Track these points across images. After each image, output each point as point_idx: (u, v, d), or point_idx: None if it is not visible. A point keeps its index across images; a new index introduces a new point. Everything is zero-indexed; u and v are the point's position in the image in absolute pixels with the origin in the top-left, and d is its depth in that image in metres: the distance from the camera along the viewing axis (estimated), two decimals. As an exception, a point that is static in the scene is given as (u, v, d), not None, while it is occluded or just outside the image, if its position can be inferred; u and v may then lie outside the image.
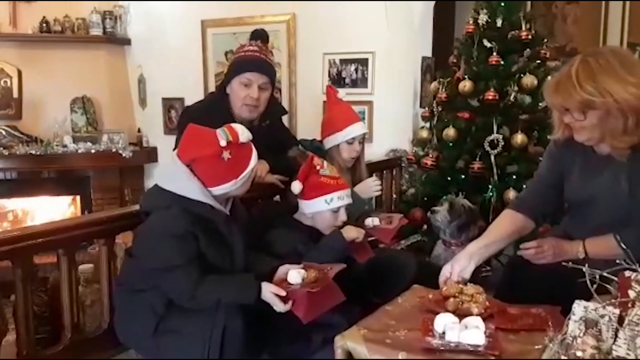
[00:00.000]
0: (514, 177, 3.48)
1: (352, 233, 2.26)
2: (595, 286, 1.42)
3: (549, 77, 3.64)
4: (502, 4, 3.60)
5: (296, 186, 2.29)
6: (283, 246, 2.22)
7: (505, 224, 2.21)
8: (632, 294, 1.41)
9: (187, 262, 1.87)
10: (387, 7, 4.31)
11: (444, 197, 2.98)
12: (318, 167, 2.30)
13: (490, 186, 3.49)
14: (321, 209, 2.28)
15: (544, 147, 3.57)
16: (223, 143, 1.91)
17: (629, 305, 1.40)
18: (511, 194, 3.42)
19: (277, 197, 2.92)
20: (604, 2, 5.33)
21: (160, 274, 1.90)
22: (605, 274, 1.42)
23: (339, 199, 2.28)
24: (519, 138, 3.45)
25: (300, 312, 1.86)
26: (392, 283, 2.26)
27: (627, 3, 5.22)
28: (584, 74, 1.81)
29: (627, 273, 1.43)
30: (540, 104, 3.59)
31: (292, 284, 1.92)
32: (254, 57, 2.62)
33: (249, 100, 2.60)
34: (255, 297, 1.87)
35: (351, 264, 2.24)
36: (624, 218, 1.94)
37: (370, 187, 2.75)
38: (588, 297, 1.84)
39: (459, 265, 2.02)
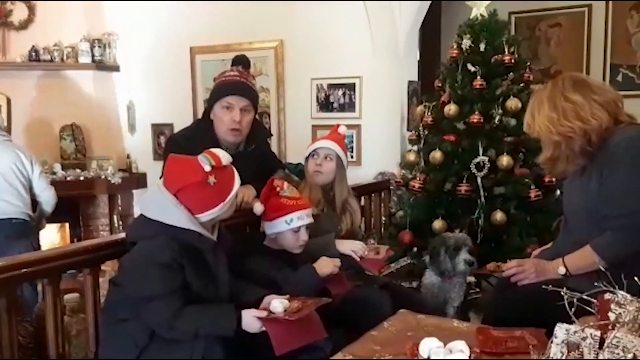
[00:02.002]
0: (501, 198, 3.50)
1: (326, 269, 2.25)
2: (573, 309, 1.42)
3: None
4: (485, 30, 3.66)
5: (258, 207, 2.31)
6: (257, 275, 2.22)
7: None
8: (611, 316, 1.42)
9: (169, 292, 1.86)
10: (372, 32, 4.37)
11: (449, 241, 2.90)
12: (278, 189, 2.32)
13: (477, 208, 3.51)
14: (282, 229, 2.29)
15: (530, 169, 3.63)
16: (207, 168, 1.92)
17: (609, 327, 1.41)
18: (498, 215, 3.44)
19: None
20: (586, 25, 5.43)
21: (141, 303, 1.89)
22: (584, 297, 1.43)
23: (298, 219, 2.28)
24: (505, 160, 3.47)
25: (275, 340, 1.84)
26: (364, 322, 2.26)
27: (610, 25, 5.33)
28: (529, 108, 2.15)
29: (607, 295, 1.44)
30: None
31: (274, 313, 1.91)
32: (234, 81, 2.63)
33: (231, 124, 2.60)
34: (234, 329, 1.86)
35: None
36: (599, 221, 1.98)
37: (353, 247, 2.55)
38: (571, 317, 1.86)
39: None
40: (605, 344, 1.35)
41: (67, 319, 2.51)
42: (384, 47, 4.43)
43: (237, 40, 4.90)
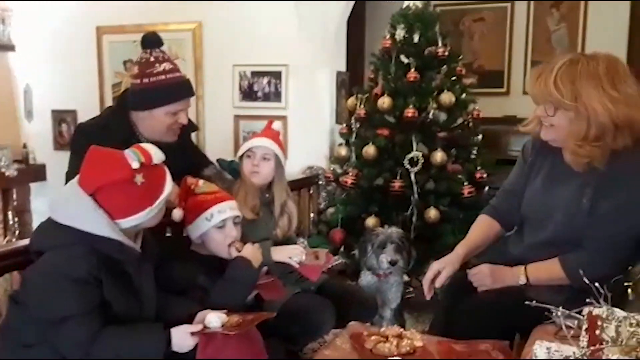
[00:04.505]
0: (434, 195, 3.43)
1: (255, 259, 2.02)
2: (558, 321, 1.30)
3: (464, 95, 3.67)
4: (419, 20, 3.56)
5: (176, 214, 2.04)
6: (181, 281, 1.98)
7: (484, 228, 2.19)
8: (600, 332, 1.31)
9: (84, 311, 1.59)
10: (300, 18, 4.15)
11: (375, 238, 2.81)
12: (193, 187, 2.09)
13: (410, 205, 3.41)
14: (204, 228, 2.04)
15: (462, 165, 3.58)
16: (135, 165, 1.65)
17: (597, 345, 1.29)
18: (432, 212, 3.38)
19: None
20: (509, 21, 5.53)
21: (50, 325, 1.61)
22: (573, 314, 1.31)
23: (219, 213, 2.04)
24: (438, 156, 3.40)
25: (207, 355, 1.65)
26: (304, 332, 2.11)
27: (531, 22, 5.45)
28: (566, 74, 1.75)
29: (595, 310, 1.32)
30: (456, 122, 3.59)
31: (210, 328, 1.69)
32: (177, 81, 2.32)
33: (176, 125, 2.34)
34: (163, 350, 1.63)
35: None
36: (577, 237, 1.86)
37: (289, 253, 2.31)
38: (529, 326, 1.77)
39: (451, 268, 2.05)
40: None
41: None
42: (311, 35, 4.22)
43: (151, 20, 4.50)
